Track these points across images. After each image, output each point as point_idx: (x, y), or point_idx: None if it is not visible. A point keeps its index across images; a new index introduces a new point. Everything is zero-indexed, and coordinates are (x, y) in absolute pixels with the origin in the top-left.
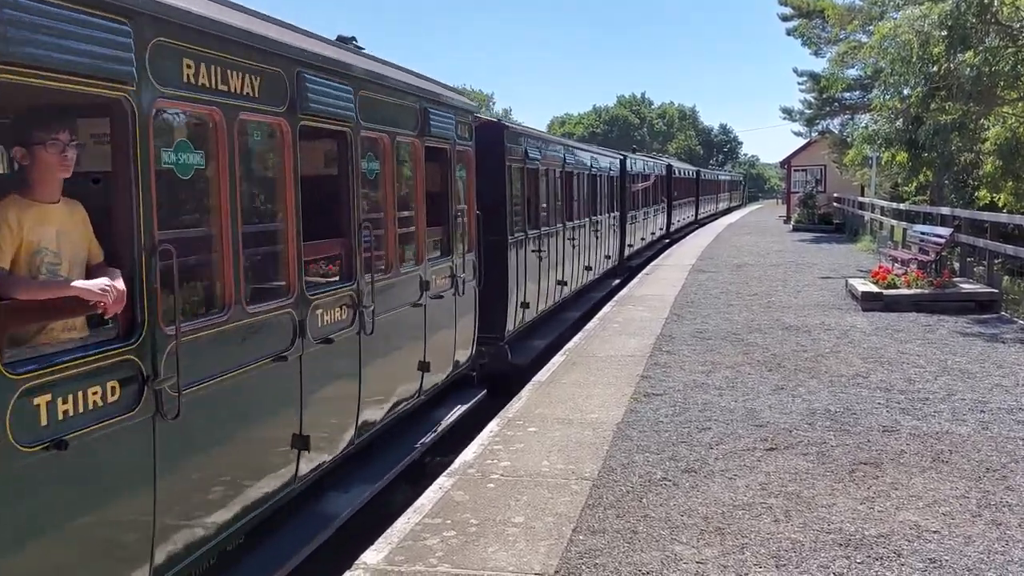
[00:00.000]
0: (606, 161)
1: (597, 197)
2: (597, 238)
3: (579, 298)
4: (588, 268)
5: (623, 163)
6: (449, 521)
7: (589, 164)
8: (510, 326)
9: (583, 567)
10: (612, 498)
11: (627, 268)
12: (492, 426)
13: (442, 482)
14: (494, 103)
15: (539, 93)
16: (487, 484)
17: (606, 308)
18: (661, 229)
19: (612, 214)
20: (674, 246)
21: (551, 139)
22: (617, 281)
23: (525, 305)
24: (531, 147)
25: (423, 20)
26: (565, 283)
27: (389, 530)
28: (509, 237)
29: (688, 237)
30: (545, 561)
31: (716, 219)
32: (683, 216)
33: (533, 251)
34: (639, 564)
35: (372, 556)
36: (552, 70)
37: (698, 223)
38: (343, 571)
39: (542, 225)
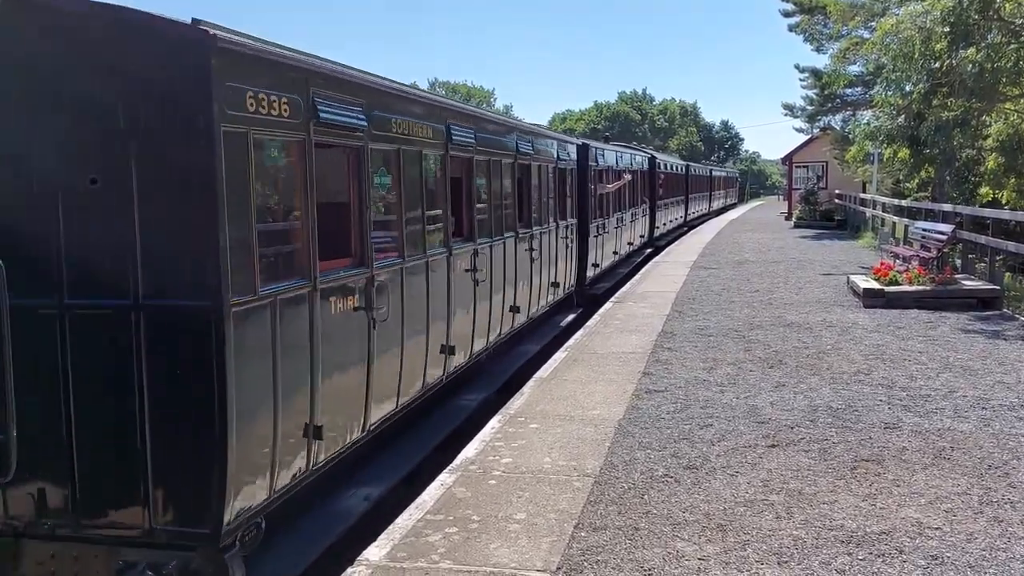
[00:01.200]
0: (551, 147)
1: (536, 199)
2: (534, 260)
3: (500, 358)
4: (515, 309)
5: (583, 152)
6: (451, 517)
7: (515, 149)
8: (238, 503)
9: (585, 564)
10: (614, 495)
11: (589, 297)
12: (494, 423)
13: (444, 478)
14: (495, 99)
15: (540, 90)
16: (489, 480)
17: (607, 305)
18: (642, 237)
19: (565, 222)
20: (673, 244)
21: (407, 93)
22: (572, 316)
23: (315, 432)
24: (334, 100)
25: (423, 19)
26: (452, 349)
27: (391, 526)
28: (232, 302)
29: (687, 235)
30: (547, 558)
31: (710, 219)
32: (671, 218)
33: (356, 309)
34: (641, 561)
35: (375, 552)
36: (553, 67)
37: (688, 225)
38: (345, 568)
39: (383, 254)
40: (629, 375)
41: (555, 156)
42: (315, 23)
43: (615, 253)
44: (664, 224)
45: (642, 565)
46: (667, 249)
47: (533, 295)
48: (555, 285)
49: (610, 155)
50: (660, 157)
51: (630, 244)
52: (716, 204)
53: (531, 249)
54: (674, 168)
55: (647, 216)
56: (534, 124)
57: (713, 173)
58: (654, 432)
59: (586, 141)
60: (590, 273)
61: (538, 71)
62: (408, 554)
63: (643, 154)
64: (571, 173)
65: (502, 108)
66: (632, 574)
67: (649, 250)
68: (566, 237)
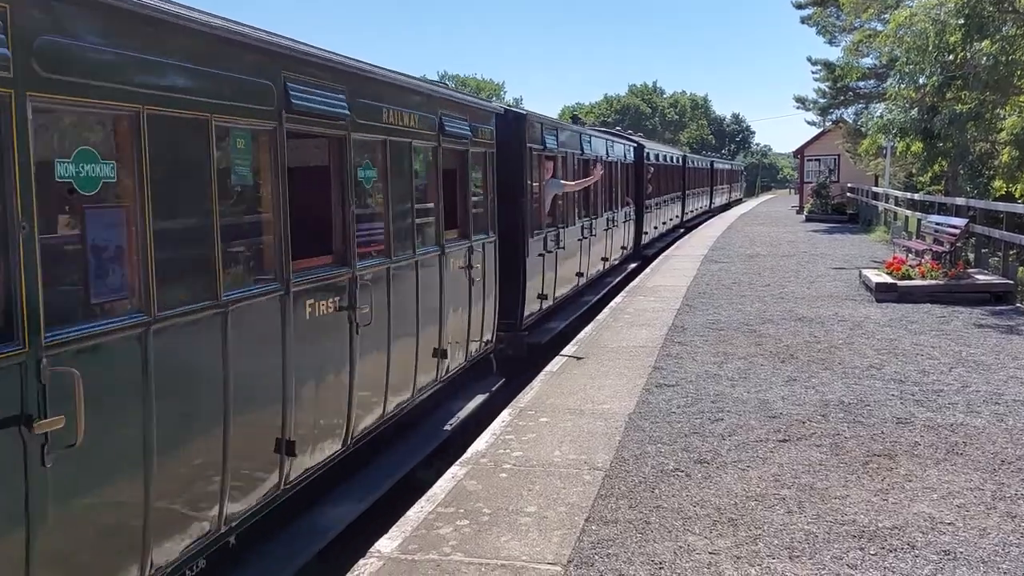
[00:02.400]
0: (426, 113)
1: (376, 207)
2: (361, 327)
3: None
4: (288, 451)
5: (516, 129)
6: (462, 510)
7: (278, 106)
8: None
9: (596, 557)
10: (624, 488)
11: (528, 348)
12: (504, 416)
13: (455, 471)
14: (505, 92)
15: (550, 83)
16: (499, 473)
17: (617, 299)
18: (624, 248)
19: (467, 243)
20: (680, 240)
21: None
22: (479, 400)
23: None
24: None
25: (426, 15)
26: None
27: (403, 519)
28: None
29: (694, 232)
30: (558, 551)
31: (711, 217)
32: (663, 219)
33: None
34: (652, 555)
35: (386, 544)
36: (563, 59)
37: (684, 227)
38: (357, 559)
39: None
40: (639, 369)
41: (435, 128)
42: (321, 18)
43: (579, 275)
44: (655, 228)
45: (653, 559)
46: (676, 243)
47: (356, 400)
48: (439, 355)
49: (569, 137)
50: (649, 146)
51: (604, 260)
52: (719, 200)
53: (352, 307)
54: (668, 159)
55: (631, 221)
56: (379, 67)
57: (715, 165)
58: (664, 426)
59: (520, 111)
60: (532, 310)
61: (548, 64)
62: (420, 546)
63: (626, 142)
64: (485, 160)
65: (512, 101)
66: (643, 568)
67: (633, 264)
68: (468, 267)
